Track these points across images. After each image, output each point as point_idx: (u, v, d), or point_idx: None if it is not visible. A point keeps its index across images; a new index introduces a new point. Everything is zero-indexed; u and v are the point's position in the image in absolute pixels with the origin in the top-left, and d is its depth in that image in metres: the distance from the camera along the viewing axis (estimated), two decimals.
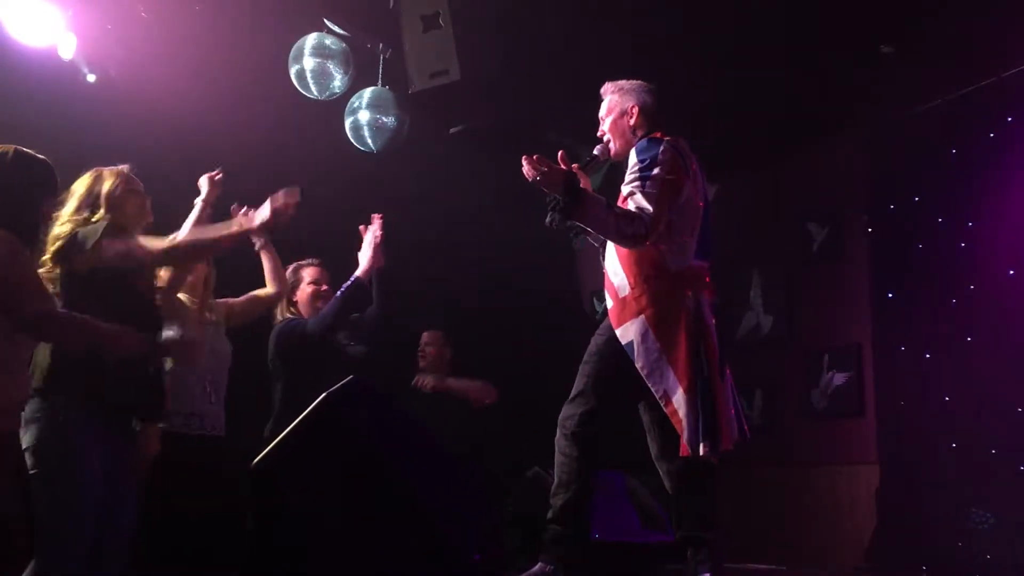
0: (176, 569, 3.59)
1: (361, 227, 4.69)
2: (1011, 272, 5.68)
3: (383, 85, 5.91)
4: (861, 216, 6.67)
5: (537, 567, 3.43)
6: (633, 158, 3.47)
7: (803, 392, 6.91)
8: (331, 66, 5.64)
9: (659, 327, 3.34)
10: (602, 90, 3.79)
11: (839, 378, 6.71)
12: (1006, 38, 5.56)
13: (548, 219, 3.34)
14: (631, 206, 3.35)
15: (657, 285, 3.39)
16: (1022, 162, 5.72)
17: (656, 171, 3.37)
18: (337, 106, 5.85)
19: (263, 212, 3.29)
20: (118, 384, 3.03)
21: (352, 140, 5.83)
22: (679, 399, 3.31)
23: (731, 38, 5.72)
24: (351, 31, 5.79)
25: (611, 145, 3.70)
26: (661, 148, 3.44)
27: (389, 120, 5.82)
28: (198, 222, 3.80)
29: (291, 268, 4.73)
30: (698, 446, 3.31)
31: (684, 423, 3.30)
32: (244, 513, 3.55)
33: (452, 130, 6.48)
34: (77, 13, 4.97)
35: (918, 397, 6.05)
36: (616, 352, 3.41)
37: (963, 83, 6.06)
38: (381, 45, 5.88)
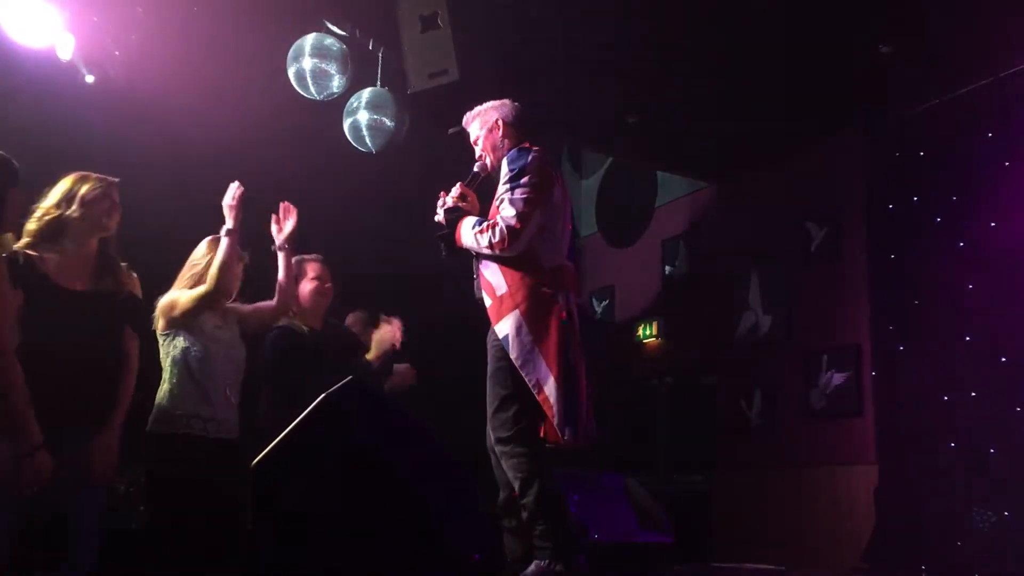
0: (182, 570, 3.59)
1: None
2: (1010, 272, 5.68)
3: (382, 85, 5.91)
4: (859, 216, 6.68)
5: (533, 566, 3.44)
6: (504, 167, 3.68)
7: (802, 392, 6.92)
8: (330, 67, 5.64)
9: (532, 321, 3.53)
10: (464, 123, 3.98)
11: (838, 378, 6.71)
12: (1005, 38, 5.57)
13: (441, 253, 3.76)
14: (499, 214, 3.58)
15: (532, 281, 3.58)
16: (1021, 162, 5.73)
17: (525, 179, 3.59)
18: (336, 107, 5.85)
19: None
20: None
21: (351, 140, 5.83)
22: (550, 387, 3.48)
23: (731, 39, 5.73)
24: (350, 32, 5.79)
25: (487, 160, 3.89)
26: (530, 156, 3.65)
27: (388, 120, 5.82)
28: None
29: (295, 260, 4.72)
30: (564, 431, 3.48)
31: (555, 409, 3.47)
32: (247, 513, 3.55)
33: (451, 130, 6.47)
34: (75, 14, 4.97)
35: (916, 397, 6.05)
36: (503, 347, 3.56)
37: (962, 83, 6.07)
38: (381, 49, 5.88)
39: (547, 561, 3.41)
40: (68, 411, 3.08)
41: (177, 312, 3.83)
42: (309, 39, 5.63)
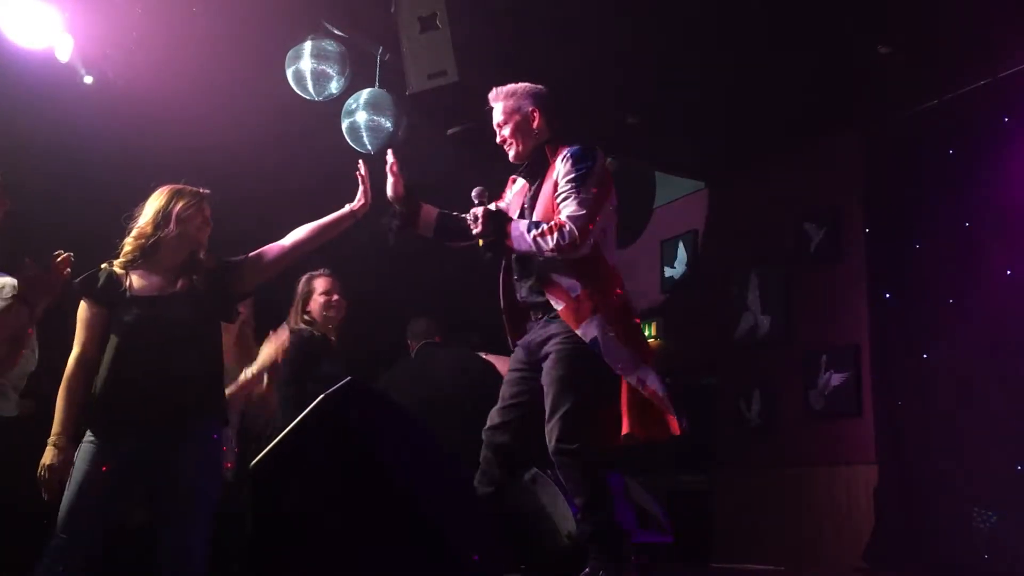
0: None
1: None
2: (1008, 272, 5.68)
3: (380, 86, 5.91)
4: (859, 217, 6.68)
5: (589, 569, 3.42)
6: (567, 165, 3.56)
7: (801, 392, 6.91)
8: (328, 67, 5.64)
9: (619, 321, 3.50)
10: (491, 97, 3.83)
11: (837, 378, 6.70)
12: (1004, 38, 5.57)
13: (485, 256, 3.61)
14: (563, 214, 3.48)
15: (603, 281, 3.55)
16: (1019, 162, 5.73)
17: (592, 179, 3.52)
18: (334, 107, 5.85)
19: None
20: (106, 408, 3.11)
21: (349, 141, 5.83)
22: (654, 381, 3.47)
23: (730, 39, 5.73)
24: (349, 33, 5.78)
25: (512, 150, 3.78)
26: (598, 159, 3.59)
27: (386, 121, 5.82)
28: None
29: (304, 278, 4.75)
30: (681, 421, 3.51)
31: (666, 402, 3.48)
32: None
33: (450, 131, 6.50)
34: (74, 15, 4.96)
35: (916, 397, 6.05)
36: (582, 351, 3.48)
37: (961, 83, 6.07)
38: (380, 50, 5.88)
39: (609, 567, 3.39)
40: (159, 413, 3.13)
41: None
42: (308, 40, 5.63)
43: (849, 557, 6.16)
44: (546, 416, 3.50)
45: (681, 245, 8.24)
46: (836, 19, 5.46)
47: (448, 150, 6.50)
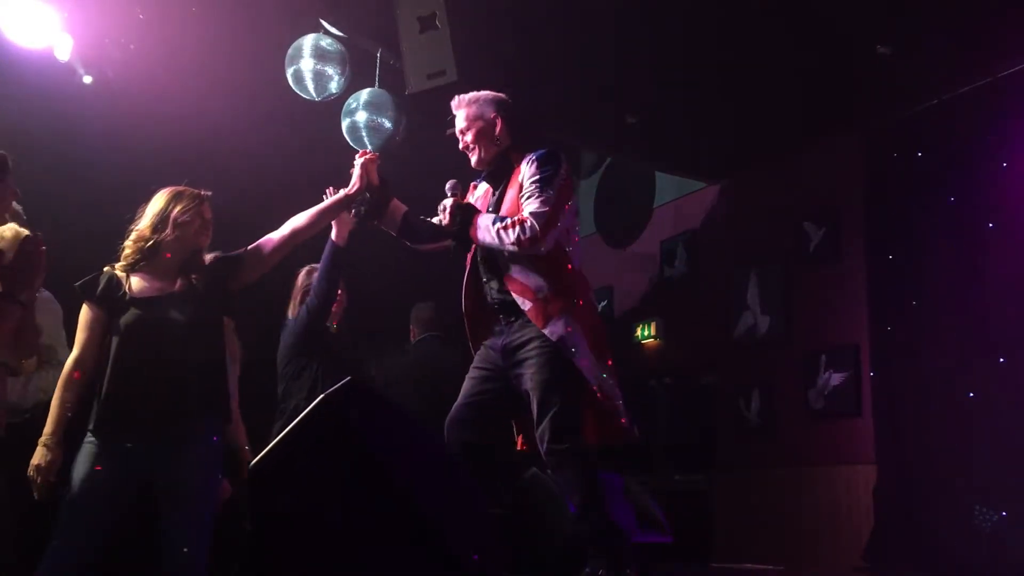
0: None
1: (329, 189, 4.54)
2: (1008, 272, 5.68)
3: (380, 86, 5.91)
4: (858, 216, 6.68)
5: (589, 570, 3.42)
6: (532, 168, 3.63)
7: (800, 392, 6.92)
8: (328, 67, 5.64)
9: (585, 322, 3.54)
10: (454, 104, 3.88)
11: (836, 378, 6.71)
12: (1003, 38, 5.57)
13: (453, 249, 3.70)
14: (526, 211, 3.54)
15: (570, 282, 3.60)
16: (1019, 162, 5.73)
17: (556, 181, 3.58)
18: (334, 107, 5.85)
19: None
20: (106, 410, 3.11)
21: (349, 141, 5.83)
22: (612, 387, 3.53)
23: (730, 40, 5.73)
24: (349, 33, 5.79)
25: (474, 156, 3.82)
26: (562, 164, 3.65)
27: (386, 121, 5.82)
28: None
29: (304, 271, 4.75)
30: (633, 428, 3.57)
31: (621, 408, 3.53)
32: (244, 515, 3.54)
33: (450, 131, 6.47)
34: (73, 15, 4.97)
35: (915, 397, 6.05)
36: (560, 353, 3.50)
37: (960, 83, 6.07)
38: (380, 49, 5.88)
39: (609, 567, 3.36)
40: (158, 413, 3.12)
41: None
42: (307, 40, 5.63)
43: (849, 557, 6.16)
44: (535, 420, 3.50)
45: (681, 245, 8.24)
46: (836, 19, 5.46)
47: (448, 150, 6.49)
